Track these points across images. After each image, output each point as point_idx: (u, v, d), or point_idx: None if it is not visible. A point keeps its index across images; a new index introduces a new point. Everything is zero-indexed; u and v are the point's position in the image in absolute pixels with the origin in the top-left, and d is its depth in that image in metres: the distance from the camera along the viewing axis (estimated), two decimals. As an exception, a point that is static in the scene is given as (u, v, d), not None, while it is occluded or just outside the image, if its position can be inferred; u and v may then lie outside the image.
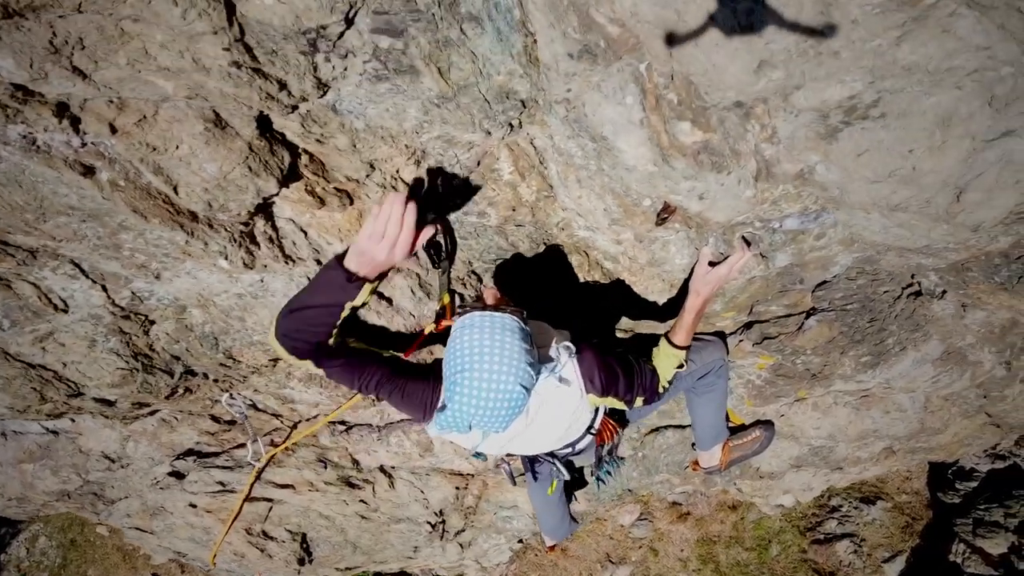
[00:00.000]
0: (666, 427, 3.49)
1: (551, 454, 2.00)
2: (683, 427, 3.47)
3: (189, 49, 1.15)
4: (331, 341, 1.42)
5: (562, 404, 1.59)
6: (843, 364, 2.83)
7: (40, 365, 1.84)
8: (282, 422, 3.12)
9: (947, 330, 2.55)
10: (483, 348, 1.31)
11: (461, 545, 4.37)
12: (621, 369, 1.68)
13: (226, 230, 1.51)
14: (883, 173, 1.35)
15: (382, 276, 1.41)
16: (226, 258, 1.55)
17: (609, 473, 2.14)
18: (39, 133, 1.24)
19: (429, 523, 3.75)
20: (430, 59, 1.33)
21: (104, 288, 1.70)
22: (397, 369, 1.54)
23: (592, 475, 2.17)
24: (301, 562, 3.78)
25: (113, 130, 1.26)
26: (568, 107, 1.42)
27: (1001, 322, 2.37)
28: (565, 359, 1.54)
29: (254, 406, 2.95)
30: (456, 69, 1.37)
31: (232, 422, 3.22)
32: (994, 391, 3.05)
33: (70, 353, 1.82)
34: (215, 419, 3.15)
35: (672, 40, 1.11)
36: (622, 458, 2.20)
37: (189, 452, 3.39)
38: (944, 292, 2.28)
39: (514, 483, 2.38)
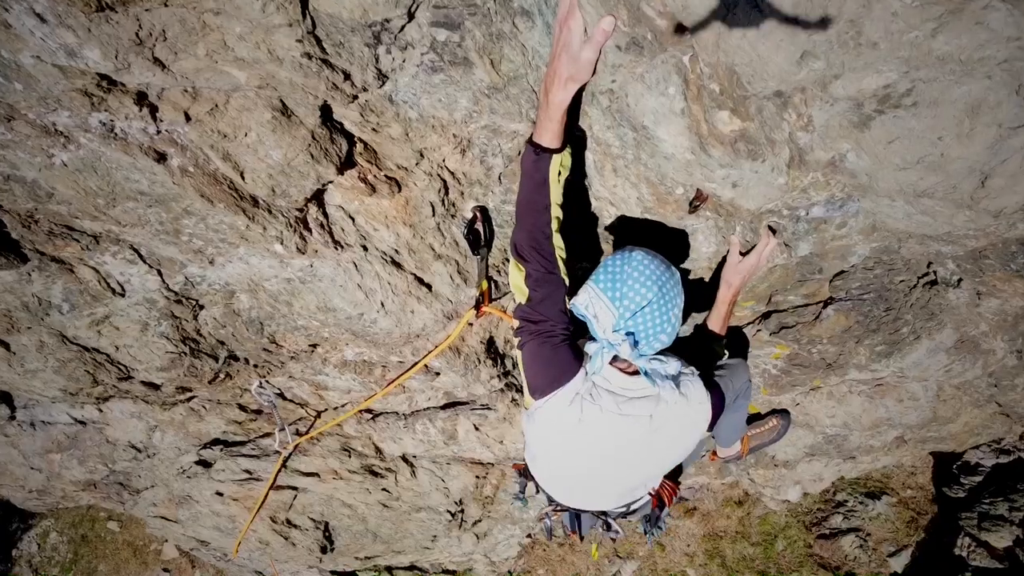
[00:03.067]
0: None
1: (604, 514, 2.01)
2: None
3: (265, 41, 1.23)
4: (557, 247, 1.52)
5: (684, 427, 1.61)
6: (858, 353, 2.90)
7: (95, 348, 1.92)
8: (307, 411, 3.20)
9: (961, 319, 2.63)
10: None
11: (477, 536, 4.44)
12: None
13: (283, 216, 1.59)
14: (912, 160, 1.43)
15: (567, 139, 1.46)
16: (282, 243, 1.63)
17: (660, 529, 2.16)
18: (119, 121, 1.31)
19: (449, 512, 3.83)
20: (484, 51, 1.41)
21: (160, 273, 1.78)
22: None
23: (645, 532, 2.19)
24: (323, 550, 3.85)
25: (187, 118, 1.34)
26: (611, 97, 1.50)
27: (1015, 310, 2.45)
28: (678, 368, 1.56)
29: (281, 395, 3.03)
30: (507, 61, 1.44)
31: (259, 411, 3.29)
32: (1005, 380, 3.12)
33: (123, 337, 1.90)
34: (242, 408, 3.23)
35: (719, 36, 1.19)
36: (669, 515, 2.21)
37: (215, 441, 3.46)
38: (960, 280, 2.36)
39: (550, 538, 2.41)
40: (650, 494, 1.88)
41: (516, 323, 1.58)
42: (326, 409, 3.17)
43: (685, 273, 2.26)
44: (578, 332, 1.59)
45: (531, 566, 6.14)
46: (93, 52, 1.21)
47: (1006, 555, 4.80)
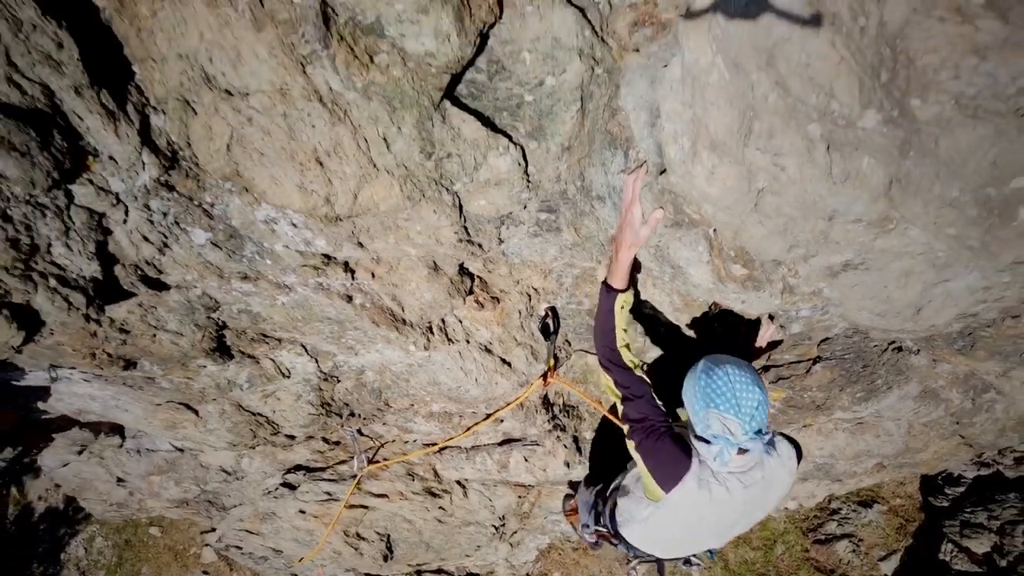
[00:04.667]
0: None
1: (687, 561, 2.31)
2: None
3: (434, 233, 1.85)
4: (624, 356, 1.86)
5: (784, 479, 1.86)
6: (842, 398, 3.53)
7: (259, 413, 2.54)
8: (379, 443, 3.82)
9: (923, 375, 3.26)
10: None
11: (511, 544, 5.07)
12: None
13: (419, 327, 2.22)
14: (868, 296, 2.05)
15: (633, 282, 1.90)
16: (414, 344, 2.26)
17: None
18: (328, 279, 1.94)
19: (494, 526, 4.45)
20: (570, 223, 2.04)
21: (317, 361, 2.40)
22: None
23: (711, 558, 2.43)
24: (385, 559, 4.47)
25: (372, 276, 1.96)
26: (656, 249, 2.13)
27: (964, 372, 3.08)
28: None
29: (360, 431, 3.65)
30: (585, 227, 2.07)
31: (337, 443, 3.91)
32: (965, 419, 3.75)
33: (281, 404, 2.53)
34: (325, 440, 3.85)
35: (736, 232, 1.82)
36: None
37: (298, 467, 4.08)
38: (919, 350, 2.98)
39: None
40: None
41: (626, 427, 1.88)
42: (394, 441, 3.79)
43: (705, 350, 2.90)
44: (671, 414, 1.88)
45: (547, 569, 6.71)
46: (320, 241, 1.83)
47: (985, 560, 5.33)
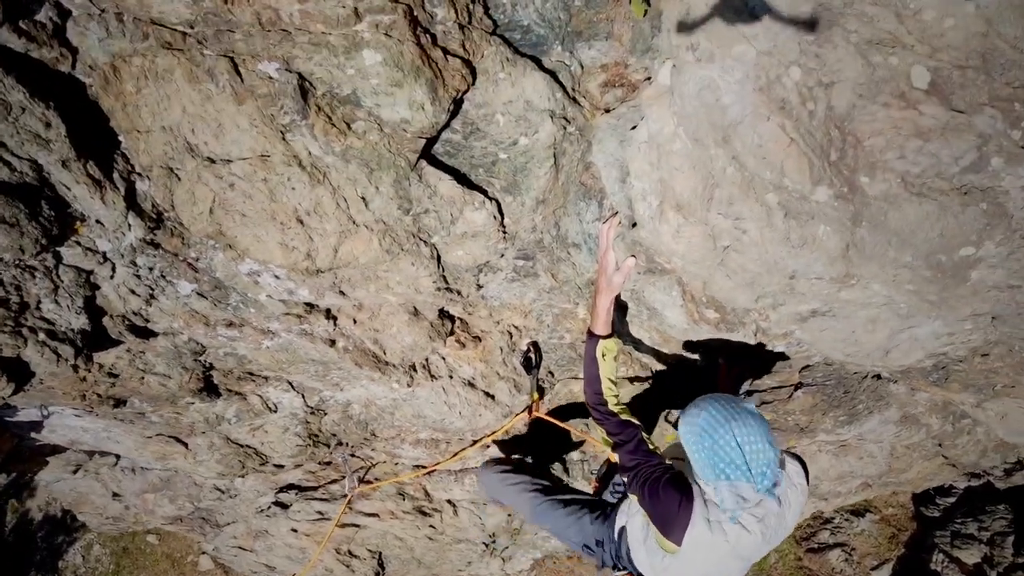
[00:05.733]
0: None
1: None
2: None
3: (413, 283, 1.92)
4: (610, 404, 1.87)
5: (797, 498, 1.77)
6: (824, 421, 3.59)
7: (247, 445, 2.60)
8: (365, 463, 3.88)
9: (903, 401, 3.31)
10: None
11: (503, 559, 5.13)
12: None
13: (402, 367, 2.28)
14: (837, 340, 2.11)
15: (613, 331, 1.93)
16: (397, 382, 2.32)
17: None
18: (311, 326, 2.00)
19: (484, 543, 4.51)
20: (547, 269, 2.10)
21: (303, 396, 2.46)
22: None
23: None
24: (376, 575, 4.53)
25: (354, 322, 2.03)
26: (632, 292, 2.18)
27: (941, 400, 3.14)
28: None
29: (353, 454, 3.71)
30: (562, 272, 2.13)
31: (328, 463, 3.97)
32: (947, 441, 3.81)
33: (269, 436, 2.59)
34: (317, 461, 3.91)
35: (705, 283, 1.88)
36: None
37: (290, 486, 4.14)
38: (897, 380, 3.04)
39: None
40: None
41: (625, 478, 1.82)
42: (384, 461, 3.85)
43: (688, 381, 2.96)
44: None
45: (542, 577, 6.76)
46: (303, 291, 1.90)
47: (975, 571, 5.38)
